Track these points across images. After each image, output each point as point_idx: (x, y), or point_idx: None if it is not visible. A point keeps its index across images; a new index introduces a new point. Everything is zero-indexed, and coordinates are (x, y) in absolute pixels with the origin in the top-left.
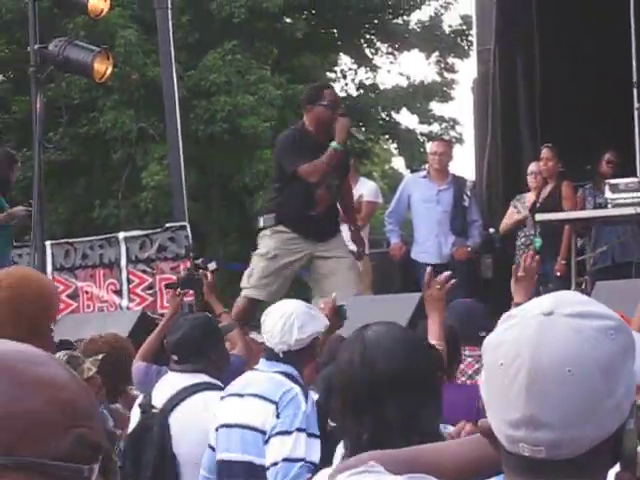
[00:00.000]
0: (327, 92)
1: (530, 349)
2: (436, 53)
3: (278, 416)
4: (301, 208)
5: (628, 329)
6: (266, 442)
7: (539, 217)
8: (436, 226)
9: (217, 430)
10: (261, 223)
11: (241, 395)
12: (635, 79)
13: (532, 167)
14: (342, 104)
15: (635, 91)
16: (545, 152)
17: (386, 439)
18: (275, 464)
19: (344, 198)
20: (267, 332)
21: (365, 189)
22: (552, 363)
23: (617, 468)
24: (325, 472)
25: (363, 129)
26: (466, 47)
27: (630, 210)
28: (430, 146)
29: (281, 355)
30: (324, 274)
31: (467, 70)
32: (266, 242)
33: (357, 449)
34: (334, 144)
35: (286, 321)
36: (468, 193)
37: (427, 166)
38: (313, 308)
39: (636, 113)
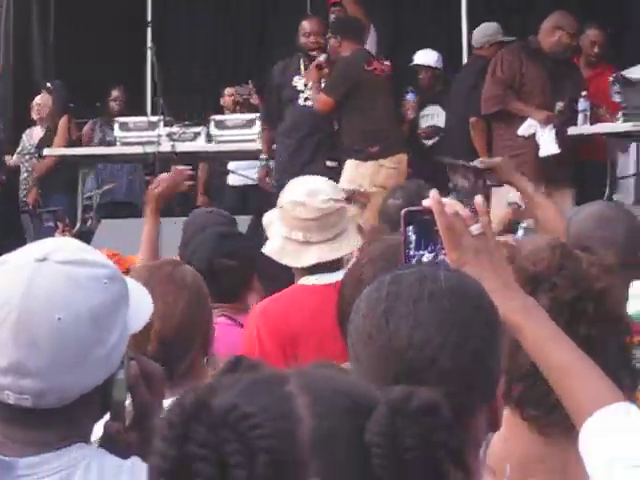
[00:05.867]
0: None
1: (20, 295)
2: None
3: None
4: None
5: (123, 278)
6: None
7: (47, 151)
8: None
9: None
10: None
11: None
12: (150, 19)
13: (36, 100)
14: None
15: (149, 30)
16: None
17: None
18: None
19: None
20: None
21: None
22: (41, 309)
23: (107, 418)
24: None
25: None
26: None
27: (138, 149)
28: None
29: None
30: None
31: None
32: None
33: None
34: None
35: None
36: None
37: None
38: None
39: (148, 52)
